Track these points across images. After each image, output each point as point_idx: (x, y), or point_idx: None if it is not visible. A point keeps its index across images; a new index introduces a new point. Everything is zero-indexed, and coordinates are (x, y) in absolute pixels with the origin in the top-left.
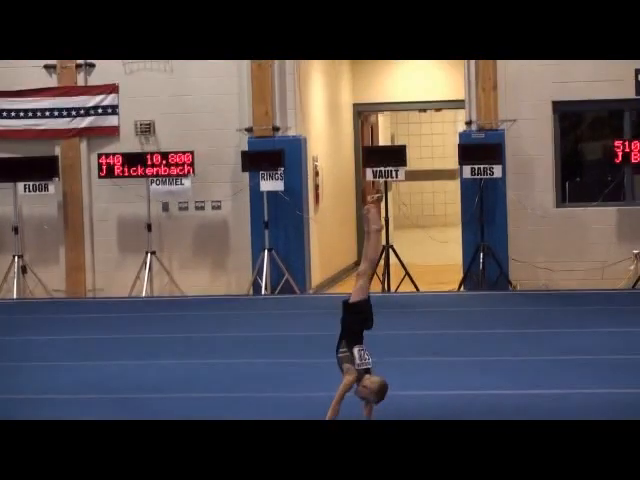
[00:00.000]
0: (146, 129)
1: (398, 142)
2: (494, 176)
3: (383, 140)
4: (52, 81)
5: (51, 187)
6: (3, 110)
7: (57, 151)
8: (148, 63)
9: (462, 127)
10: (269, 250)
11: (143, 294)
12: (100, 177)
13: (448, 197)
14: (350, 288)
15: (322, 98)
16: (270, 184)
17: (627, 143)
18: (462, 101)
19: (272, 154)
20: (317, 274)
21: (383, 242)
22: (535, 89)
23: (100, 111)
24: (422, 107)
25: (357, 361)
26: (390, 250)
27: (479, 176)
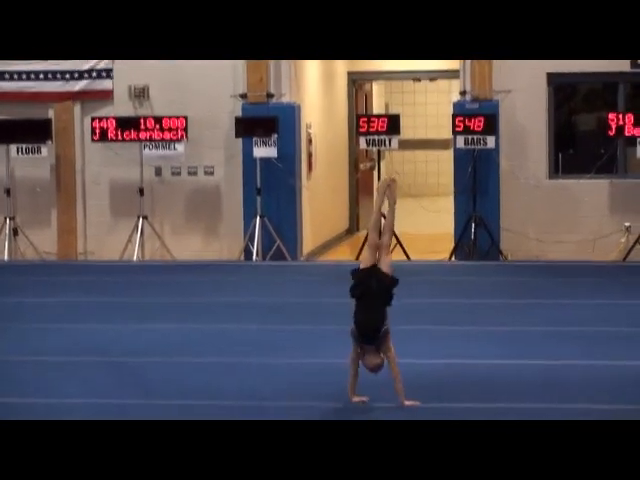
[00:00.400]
0: (140, 93)
1: (392, 111)
2: (487, 146)
3: (377, 109)
4: None
5: (44, 150)
6: None
7: (51, 114)
8: None
9: (456, 97)
10: (261, 217)
11: (134, 258)
12: (93, 141)
13: (441, 167)
14: (342, 255)
15: (317, 66)
16: (263, 151)
17: (621, 116)
18: (457, 71)
19: (266, 121)
20: (309, 241)
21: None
22: (530, 60)
23: (94, 75)
24: (417, 77)
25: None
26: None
27: (472, 146)
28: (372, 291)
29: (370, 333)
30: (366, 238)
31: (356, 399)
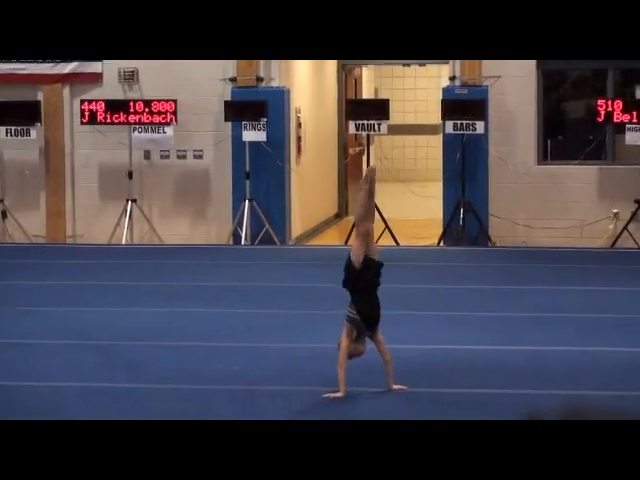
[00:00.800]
0: (129, 76)
1: (382, 96)
2: (476, 132)
3: (367, 94)
4: None
5: (33, 132)
6: None
7: (40, 96)
8: None
9: (446, 82)
10: (250, 200)
11: (123, 241)
12: (82, 123)
13: (430, 152)
14: (331, 239)
15: None
16: (252, 134)
17: (610, 102)
18: None
19: (255, 104)
20: (297, 225)
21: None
22: None
23: None
24: (406, 61)
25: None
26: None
27: (462, 132)
28: (374, 282)
29: (375, 322)
30: (354, 225)
31: (332, 395)
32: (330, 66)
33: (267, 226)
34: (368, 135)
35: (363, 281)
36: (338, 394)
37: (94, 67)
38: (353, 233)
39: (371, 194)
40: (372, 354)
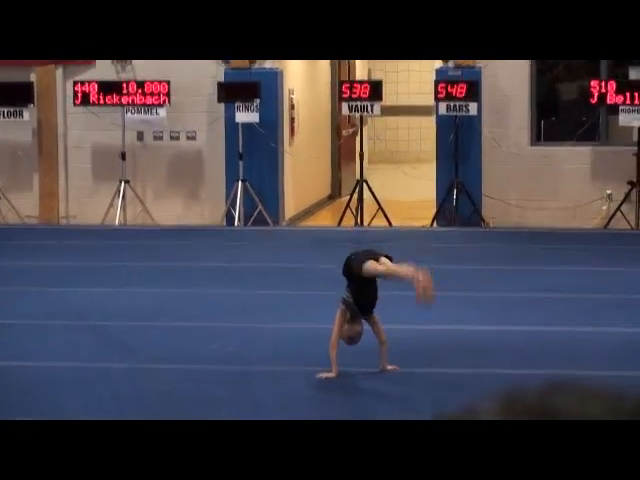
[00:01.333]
0: None
1: (375, 77)
2: (470, 113)
3: (360, 75)
4: None
5: (26, 113)
6: None
7: (33, 77)
8: None
9: (439, 64)
10: (243, 181)
11: (116, 222)
12: (75, 104)
13: (423, 133)
14: (324, 221)
15: None
16: (245, 116)
17: (603, 83)
18: None
19: (248, 86)
20: (290, 207)
21: (357, 176)
22: None
23: None
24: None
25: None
26: (364, 185)
27: (455, 113)
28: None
29: (370, 309)
30: (348, 203)
31: (325, 375)
32: None
33: (260, 207)
34: (361, 116)
35: (364, 280)
36: (330, 374)
37: None
38: (378, 263)
39: (388, 276)
40: (367, 335)
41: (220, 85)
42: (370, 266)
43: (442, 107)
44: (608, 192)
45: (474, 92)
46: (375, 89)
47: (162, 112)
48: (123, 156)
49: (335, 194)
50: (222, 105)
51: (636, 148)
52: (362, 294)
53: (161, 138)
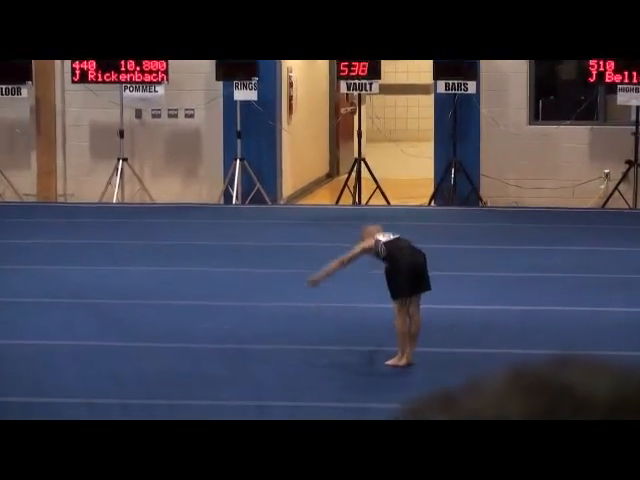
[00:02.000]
0: None
1: None
2: (468, 92)
3: None
4: None
5: (24, 91)
6: None
7: None
8: None
9: None
10: (241, 160)
11: (114, 200)
12: (73, 82)
13: (422, 112)
14: (322, 199)
15: None
16: (243, 94)
17: (602, 62)
18: None
19: (246, 64)
20: (289, 185)
21: (355, 155)
22: None
23: None
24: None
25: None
26: (362, 163)
27: (453, 92)
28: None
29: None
30: (347, 181)
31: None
32: None
33: (258, 185)
34: (360, 95)
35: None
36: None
37: None
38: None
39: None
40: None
41: (218, 63)
42: None
43: (440, 85)
44: (606, 171)
45: (473, 71)
46: (373, 67)
47: (160, 90)
48: (121, 134)
49: (333, 172)
50: (220, 83)
51: (634, 127)
52: (407, 255)
53: (159, 116)
